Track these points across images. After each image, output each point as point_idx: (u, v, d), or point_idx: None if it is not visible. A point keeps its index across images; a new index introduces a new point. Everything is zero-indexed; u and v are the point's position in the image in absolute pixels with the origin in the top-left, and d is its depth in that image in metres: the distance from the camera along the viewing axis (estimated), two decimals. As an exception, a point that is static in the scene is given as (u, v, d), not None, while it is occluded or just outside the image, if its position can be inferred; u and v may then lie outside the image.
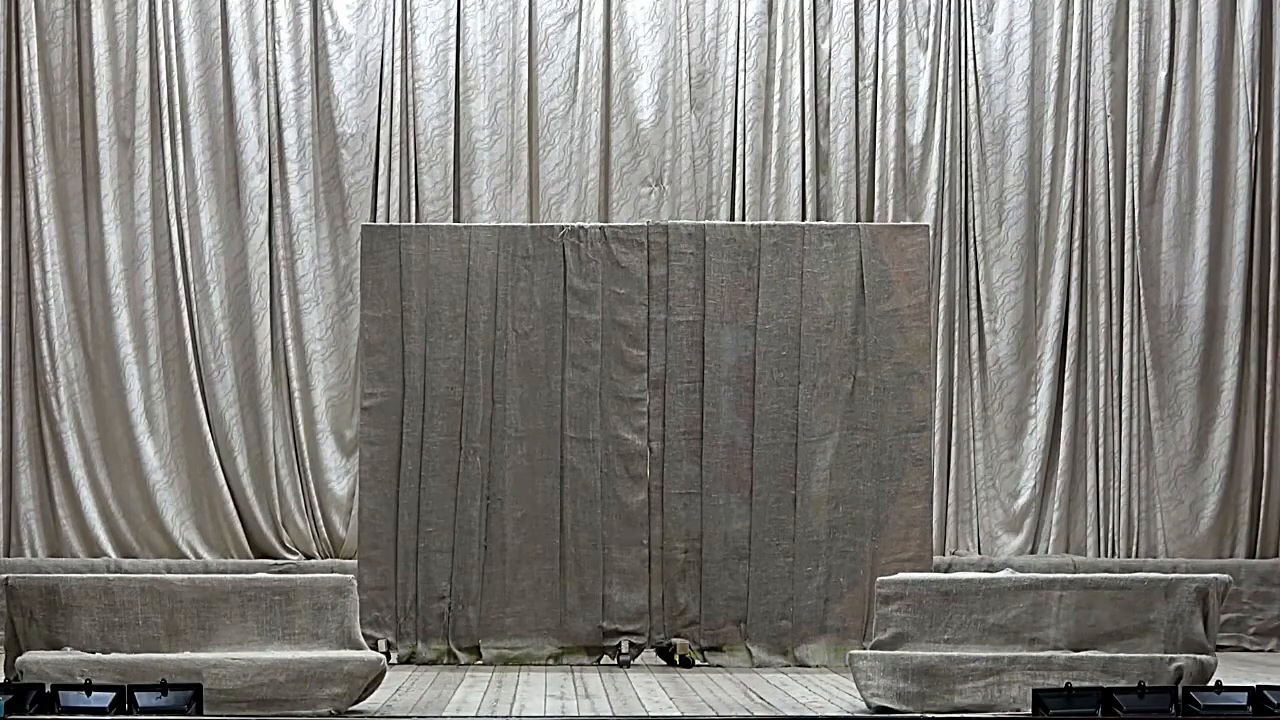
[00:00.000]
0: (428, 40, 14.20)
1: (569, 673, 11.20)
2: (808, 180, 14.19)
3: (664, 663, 11.79)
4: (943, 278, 14.20)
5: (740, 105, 14.25)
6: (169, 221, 14.03)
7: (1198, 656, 8.94)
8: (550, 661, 11.71)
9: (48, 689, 8.41)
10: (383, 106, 14.17)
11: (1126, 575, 9.85)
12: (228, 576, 9.59)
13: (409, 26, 14.20)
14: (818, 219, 13.97)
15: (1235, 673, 10.01)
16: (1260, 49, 14.29)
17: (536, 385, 11.88)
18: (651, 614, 11.79)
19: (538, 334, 11.91)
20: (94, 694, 8.35)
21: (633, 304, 11.89)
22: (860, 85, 14.31)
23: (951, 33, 14.32)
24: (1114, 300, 14.24)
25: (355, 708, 9.04)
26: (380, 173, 14.17)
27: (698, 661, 11.72)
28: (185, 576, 9.43)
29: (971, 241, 14.29)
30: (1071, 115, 14.29)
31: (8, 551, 13.92)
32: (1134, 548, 14.11)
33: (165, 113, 14.05)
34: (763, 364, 11.86)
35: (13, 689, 8.41)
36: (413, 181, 14.17)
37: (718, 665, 11.66)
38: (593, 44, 14.23)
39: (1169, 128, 14.32)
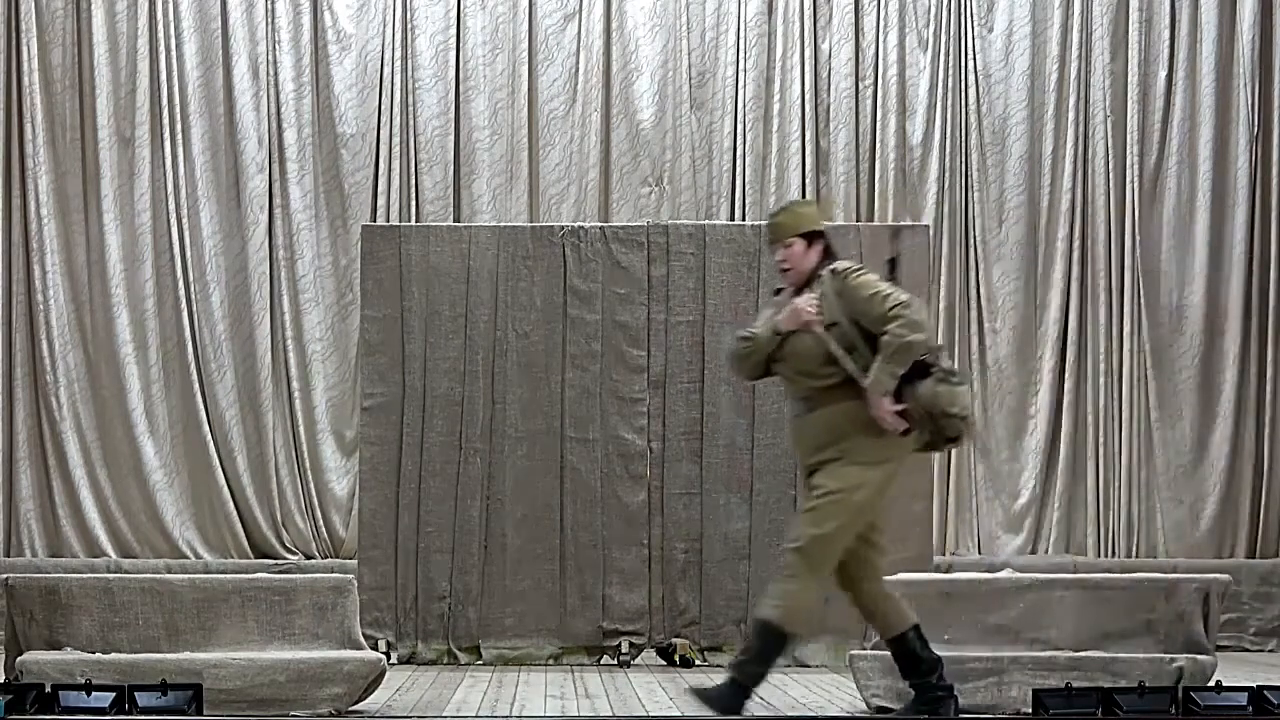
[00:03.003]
0: (428, 40, 14.21)
1: (569, 673, 11.20)
2: (808, 180, 14.19)
3: (664, 663, 11.79)
4: (943, 278, 14.19)
5: (740, 105, 14.26)
6: (169, 221, 14.03)
7: (1198, 656, 8.93)
8: (550, 661, 11.72)
9: (48, 689, 8.41)
10: (383, 106, 14.17)
11: (1126, 575, 9.87)
12: (228, 576, 9.59)
13: (409, 26, 14.20)
14: (818, 219, 13.95)
15: (1235, 673, 10.01)
16: (1260, 49, 14.29)
17: (536, 385, 11.88)
18: (651, 614, 11.79)
19: (538, 334, 11.91)
20: (94, 694, 8.35)
21: (633, 304, 11.89)
22: (860, 85, 14.31)
23: (951, 33, 14.32)
24: (1114, 300, 14.24)
25: (355, 708, 9.04)
26: (380, 173, 14.17)
27: (698, 661, 11.72)
28: (185, 576, 9.43)
29: (971, 241, 14.29)
30: (1071, 115, 14.29)
31: (8, 551, 13.92)
32: (1134, 548, 14.11)
33: (165, 113, 14.05)
34: (763, 364, 11.84)
35: (13, 689, 8.41)
36: (413, 181, 14.17)
37: (718, 665, 11.65)
38: (593, 44, 14.23)
39: (1169, 128, 14.32)
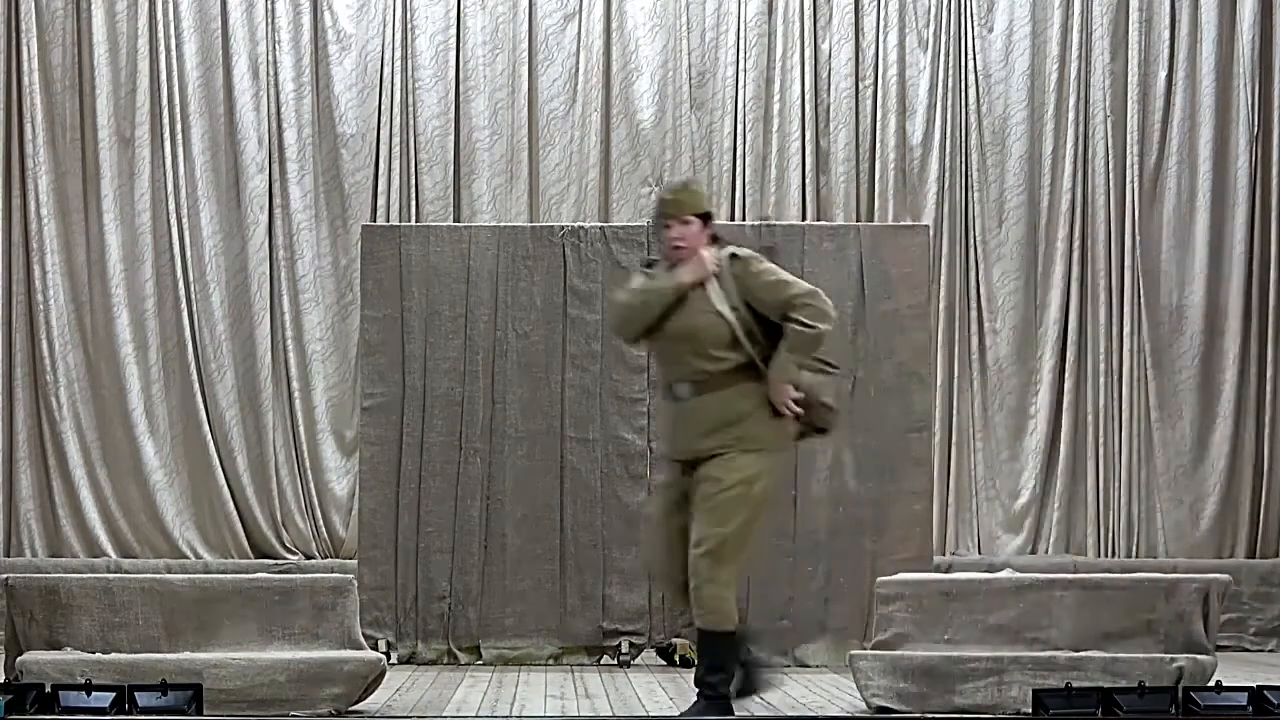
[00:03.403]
0: (428, 40, 14.20)
1: (569, 673, 11.20)
2: (808, 180, 14.19)
3: (664, 663, 11.79)
4: (943, 278, 14.19)
5: (740, 105, 14.25)
6: (169, 221, 14.03)
7: (1198, 656, 8.93)
8: (550, 661, 11.71)
9: (48, 689, 8.41)
10: (383, 106, 14.17)
11: (1126, 575, 9.86)
12: (228, 576, 9.59)
13: (409, 26, 14.20)
14: (818, 219, 13.97)
15: (1235, 673, 10.01)
16: (1260, 49, 14.29)
17: (536, 385, 11.88)
18: (651, 614, 11.79)
19: (538, 334, 11.91)
20: (94, 694, 8.34)
21: (633, 304, 11.87)
22: (860, 85, 14.31)
23: (951, 33, 14.32)
24: (1114, 300, 14.24)
25: (355, 708, 9.03)
26: (380, 173, 14.17)
27: (697, 661, 11.70)
28: (185, 576, 9.43)
29: (971, 241, 14.29)
30: (1071, 115, 14.29)
31: (8, 551, 13.92)
32: (1134, 548, 14.11)
33: (165, 113, 14.05)
34: (763, 364, 11.84)
35: (13, 689, 8.41)
36: (413, 181, 14.17)
37: (718, 665, 11.64)
38: (593, 44, 14.23)
39: (1169, 128, 14.32)
